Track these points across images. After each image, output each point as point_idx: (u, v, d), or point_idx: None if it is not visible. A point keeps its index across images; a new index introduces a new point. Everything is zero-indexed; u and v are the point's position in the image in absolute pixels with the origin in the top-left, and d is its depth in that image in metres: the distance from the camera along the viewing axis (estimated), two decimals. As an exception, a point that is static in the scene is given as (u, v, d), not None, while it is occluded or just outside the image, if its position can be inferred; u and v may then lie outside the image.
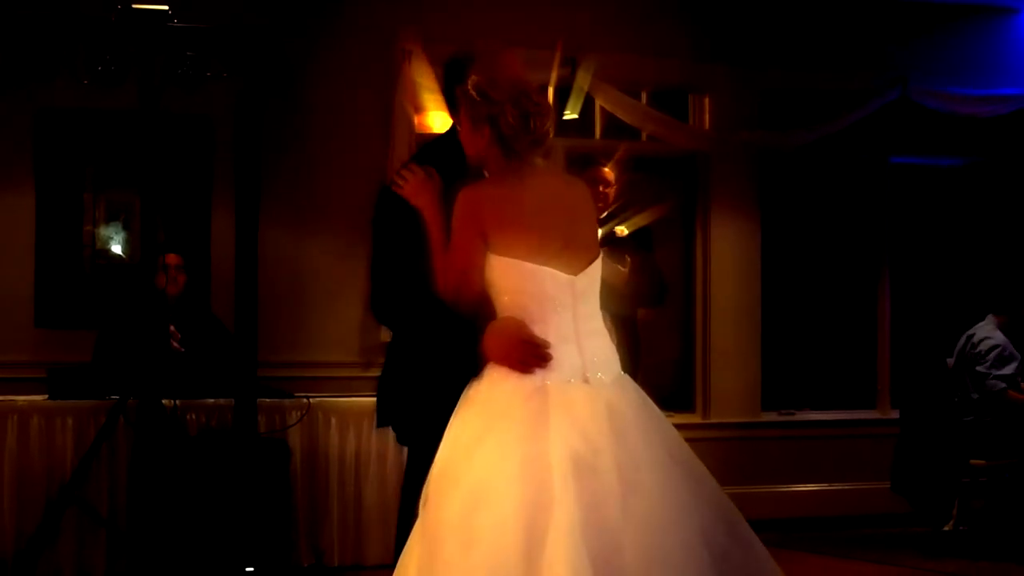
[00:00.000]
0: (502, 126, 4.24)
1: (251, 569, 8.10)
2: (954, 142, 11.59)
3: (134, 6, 8.19)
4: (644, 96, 10.84)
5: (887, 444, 10.23)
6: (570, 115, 10.24)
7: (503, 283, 4.22)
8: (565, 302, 4.21)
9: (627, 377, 4.33)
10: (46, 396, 8.41)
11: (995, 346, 9.79)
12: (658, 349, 10.94)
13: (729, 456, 10.78)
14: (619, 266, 7.87)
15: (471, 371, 4.27)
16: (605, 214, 8.24)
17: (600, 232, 8.09)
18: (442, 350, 4.42)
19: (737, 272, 10.97)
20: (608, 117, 10.66)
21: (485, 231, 4.19)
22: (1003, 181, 11.69)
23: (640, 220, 8.27)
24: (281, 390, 8.71)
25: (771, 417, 11.09)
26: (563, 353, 4.18)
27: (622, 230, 8.10)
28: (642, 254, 8.27)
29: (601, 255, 4.34)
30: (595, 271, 4.31)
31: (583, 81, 10.15)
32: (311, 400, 8.54)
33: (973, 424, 9.77)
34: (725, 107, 10.93)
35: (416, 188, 4.38)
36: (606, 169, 8.17)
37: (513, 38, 9.53)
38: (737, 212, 10.96)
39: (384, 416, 4.79)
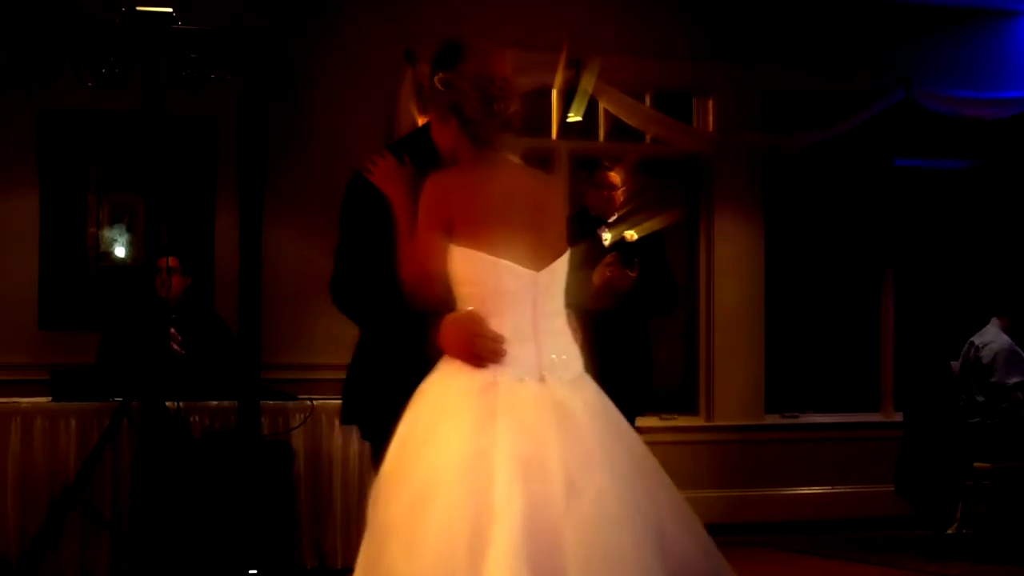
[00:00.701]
0: (466, 111, 4.19)
1: (254, 571, 8.10)
2: (958, 145, 11.59)
3: (138, 8, 8.20)
4: (647, 98, 10.84)
5: (890, 447, 10.23)
6: (574, 118, 10.24)
7: (463, 274, 4.15)
8: (524, 297, 4.14)
9: (588, 378, 4.25)
10: (50, 398, 8.41)
11: (1000, 350, 9.80)
12: (661, 351, 10.94)
13: (732, 459, 10.79)
14: (627, 271, 7.86)
15: (432, 365, 4.19)
16: (614, 217, 8.24)
17: (609, 237, 8.09)
18: (402, 342, 4.38)
19: (740, 274, 10.97)
20: (612, 120, 10.67)
21: (449, 219, 4.12)
22: (1007, 184, 11.69)
23: (652, 225, 8.25)
24: (284, 392, 8.71)
25: (774, 420, 11.08)
26: (519, 350, 4.10)
27: (632, 235, 8.08)
28: (653, 259, 8.26)
29: (568, 254, 4.27)
30: (559, 268, 4.23)
31: (587, 84, 10.15)
32: (315, 402, 8.53)
33: (977, 427, 9.77)
34: (728, 109, 10.93)
35: (386, 175, 4.36)
36: (612, 173, 8.16)
37: (516, 40, 9.59)
38: (740, 214, 10.96)
39: (349, 413, 4.76)
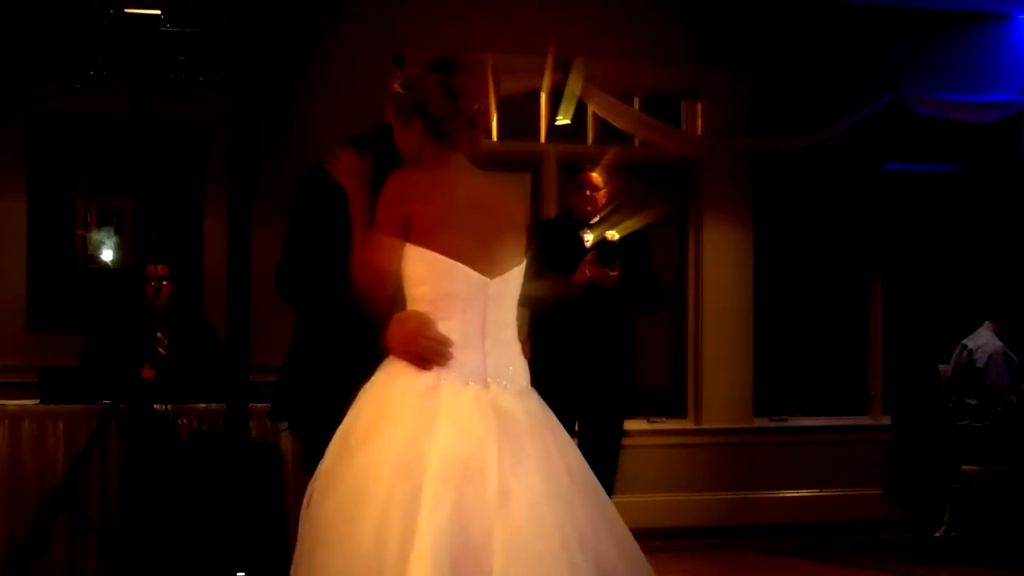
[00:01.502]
0: (431, 108, 4.20)
1: (242, 574, 8.08)
2: (947, 148, 11.61)
3: (127, 10, 8.18)
4: (637, 102, 10.84)
5: (879, 450, 10.24)
6: (562, 121, 10.25)
7: (416, 274, 4.15)
8: (475, 303, 4.15)
9: (534, 392, 4.26)
10: (37, 400, 8.39)
11: (994, 354, 9.82)
12: (650, 354, 10.95)
13: (721, 462, 10.79)
14: (607, 271, 7.87)
15: (375, 363, 4.20)
16: (597, 218, 8.25)
17: (591, 238, 8.11)
18: (342, 338, 4.37)
19: (729, 277, 10.98)
20: (601, 123, 10.67)
21: (408, 218, 4.13)
22: (996, 188, 11.70)
23: (632, 224, 8.26)
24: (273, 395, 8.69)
25: (763, 423, 11.09)
26: (465, 355, 4.12)
27: (613, 235, 8.10)
28: (637, 259, 8.27)
29: (523, 265, 4.28)
30: (513, 279, 4.25)
31: (575, 86, 10.15)
32: (303, 405, 8.52)
33: (965, 430, 9.78)
34: (718, 112, 10.94)
35: (346, 168, 4.37)
36: (594, 174, 8.18)
37: (505, 43, 9.62)
38: (730, 217, 10.97)
39: (279, 409, 4.74)
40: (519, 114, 10.56)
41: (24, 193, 9.61)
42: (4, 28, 8.61)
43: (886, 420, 10.72)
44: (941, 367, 10.13)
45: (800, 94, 11.18)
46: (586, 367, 8.19)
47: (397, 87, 4.29)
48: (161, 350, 8.70)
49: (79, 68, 8.57)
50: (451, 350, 4.10)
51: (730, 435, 10.88)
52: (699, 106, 10.97)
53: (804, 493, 11.05)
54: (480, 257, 4.15)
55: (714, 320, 10.93)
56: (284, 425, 8.45)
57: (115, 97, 8.78)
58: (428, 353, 4.09)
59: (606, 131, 10.69)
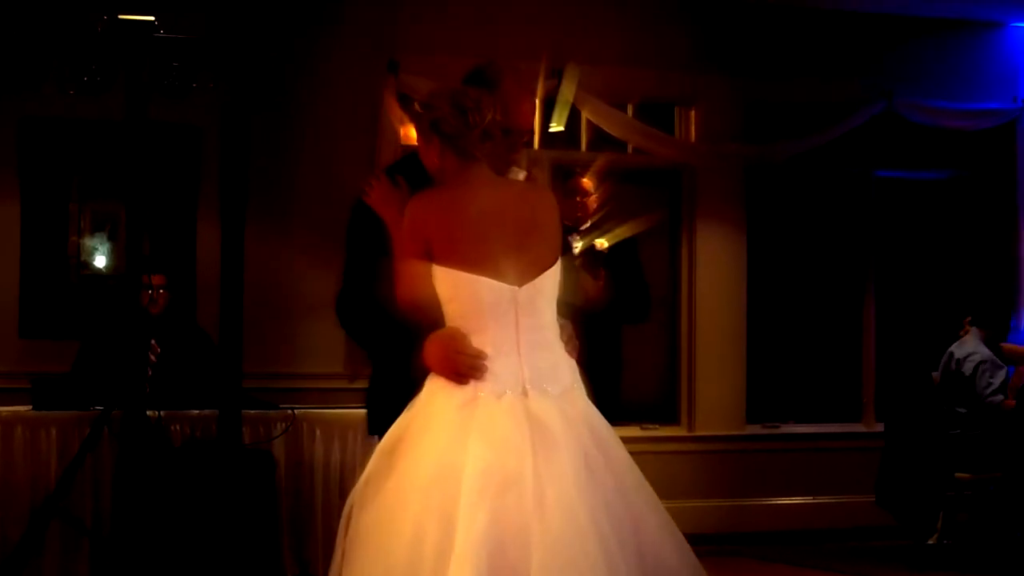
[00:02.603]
0: (443, 127, 4.25)
1: (235, 580, 8.08)
2: (939, 156, 11.61)
3: (120, 16, 8.18)
4: (630, 108, 10.85)
5: (872, 457, 10.24)
6: (556, 127, 10.24)
7: (445, 292, 4.22)
8: (505, 313, 4.20)
9: (579, 390, 4.31)
10: (30, 406, 8.38)
11: (982, 362, 9.82)
12: (643, 361, 10.95)
13: (714, 469, 10.79)
14: (591, 279, 7.87)
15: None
16: (587, 224, 8.25)
17: (580, 245, 8.10)
18: (405, 360, 4.42)
19: (722, 284, 10.98)
20: (594, 129, 10.68)
21: (428, 240, 4.20)
22: (987, 195, 11.71)
23: (623, 232, 8.25)
24: (266, 401, 8.69)
25: (756, 430, 11.09)
26: (501, 365, 4.17)
27: (602, 243, 8.08)
28: (626, 267, 8.26)
29: (557, 267, 4.31)
30: (544, 282, 4.28)
31: (569, 93, 10.15)
32: (296, 411, 8.52)
33: (958, 438, 9.79)
34: (711, 119, 10.95)
35: (382, 197, 4.40)
36: (584, 180, 8.18)
37: (499, 49, 9.61)
38: (723, 224, 10.97)
39: (373, 424, 4.82)
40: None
41: (17, 198, 9.60)
42: (-3, 34, 8.62)
43: (879, 427, 10.72)
44: (933, 374, 10.13)
45: (793, 101, 11.18)
46: None
47: (417, 107, 4.37)
48: (152, 356, 8.71)
49: (73, 73, 8.57)
50: (486, 362, 4.16)
51: (723, 442, 10.89)
52: (692, 113, 10.97)
53: (797, 500, 11.04)
54: (505, 266, 4.20)
55: (707, 327, 10.93)
56: (279, 431, 8.50)
57: (109, 102, 8.79)
58: (463, 368, 4.16)
59: (600, 137, 10.69)
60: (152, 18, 8.21)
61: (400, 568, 3.93)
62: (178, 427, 8.40)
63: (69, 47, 8.56)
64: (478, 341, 4.18)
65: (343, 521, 4.17)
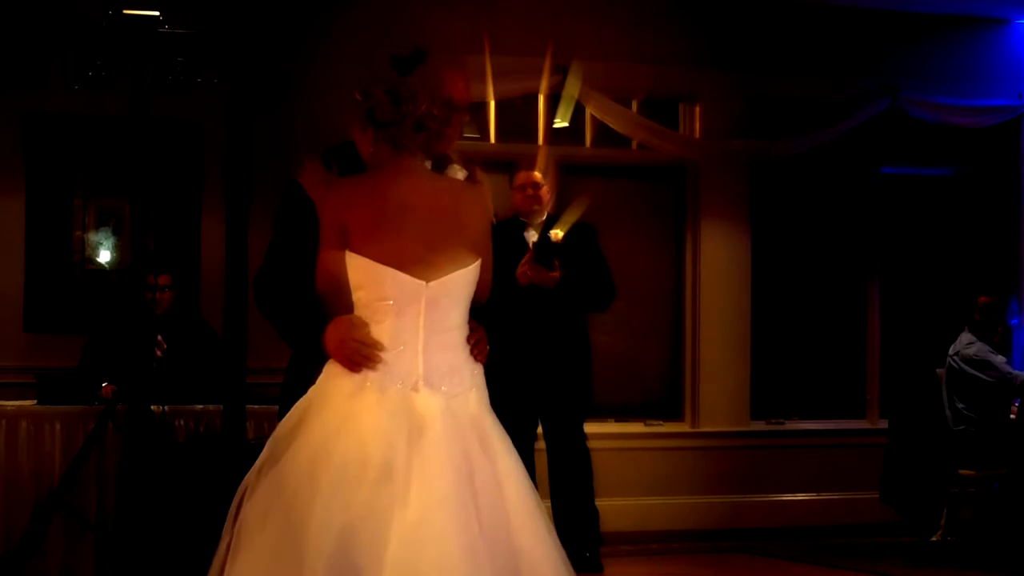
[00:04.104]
0: (377, 115, 4.26)
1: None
2: (944, 152, 11.60)
3: (125, 11, 8.18)
4: (634, 104, 10.84)
5: (876, 454, 10.24)
6: (560, 123, 10.24)
7: (354, 280, 4.23)
8: (409, 307, 4.19)
9: (476, 394, 4.28)
10: (35, 401, 8.40)
11: (986, 350, 9.86)
12: (647, 357, 10.95)
13: (718, 465, 10.78)
14: (546, 270, 7.88)
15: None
16: (544, 216, 8.26)
17: (534, 237, 8.11)
18: (315, 342, 4.41)
19: (727, 280, 10.97)
20: (598, 125, 10.67)
21: (344, 225, 4.20)
22: (993, 191, 11.70)
23: (569, 219, 8.23)
24: (270, 396, 8.69)
25: (760, 426, 11.09)
26: (397, 357, 4.17)
27: (556, 234, 8.08)
28: (586, 256, 8.27)
29: (473, 267, 4.28)
30: (456, 280, 4.25)
31: (573, 89, 10.15)
32: (300, 406, 8.52)
33: (962, 434, 9.79)
34: (715, 115, 10.94)
35: (314, 179, 4.41)
36: (534, 172, 8.19)
37: (503, 46, 9.61)
38: (727, 220, 10.96)
39: (283, 410, 4.79)
40: (517, 116, 10.56)
41: (22, 193, 9.61)
42: (2, 28, 8.62)
43: (883, 424, 10.72)
44: (938, 371, 10.13)
45: (798, 97, 11.17)
46: (537, 367, 8.21)
47: (356, 95, 4.36)
48: (158, 352, 8.71)
49: (77, 69, 8.57)
50: (381, 353, 4.16)
51: (727, 438, 10.88)
52: (697, 109, 10.97)
53: (801, 496, 11.04)
54: (417, 261, 4.18)
55: (711, 323, 10.93)
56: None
57: (112, 98, 8.80)
58: (356, 356, 4.16)
59: (604, 133, 10.69)
60: (156, 13, 8.21)
61: (270, 561, 3.98)
62: (182, 422, 8.41)
63: (74, 42, 8.57)
64: (377, 331, 4.18)
65: (231, 511, 4.21)
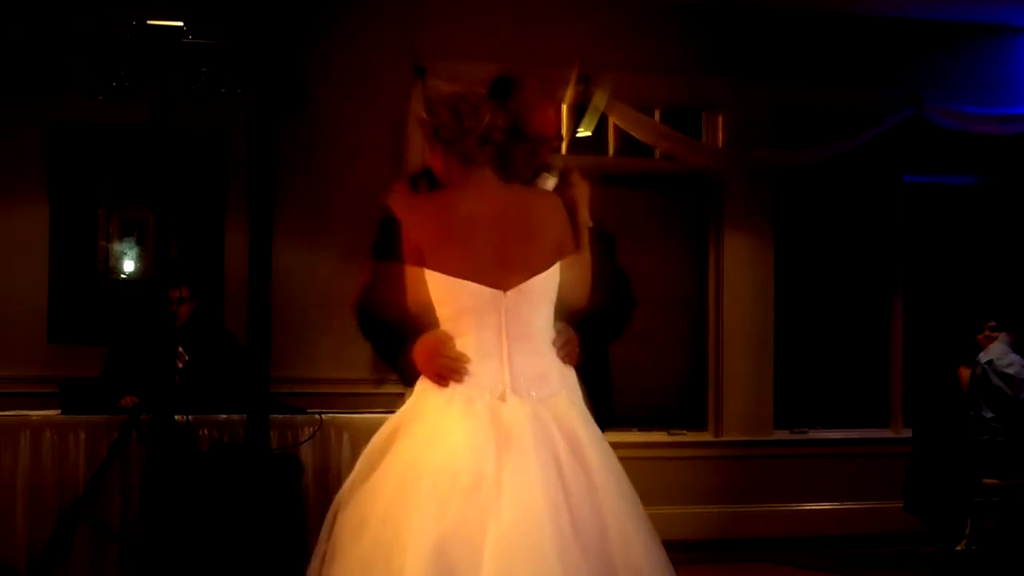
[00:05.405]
0: (442, 132, 4.30)
1: (262, 585, 8.10)
2: (968, 161, 11.58)
3: (149, 22, 8.21)
4: (657, 114, 10.84)
5: (900, 463, 10.22)
6: (584, 133, 10.25)
7: (435, 296, 4.28)
8: (489, 317, 4.24)
9: (565, 397, 4.31)
10: (59, 411, 8.41)
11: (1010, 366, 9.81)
12: (670, 366, 10.94)
13: (741, 474, 10.77)
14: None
15: None
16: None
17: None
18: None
19: (750, 290, 10.96)
20: (621, 135, 10.68)
21: (419, 246, 4.26)
22: (1017, 200, 11.68)
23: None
24: (293, 406, 8.72)
25: (783, 435, 11.07)
26: (482, 368, 4.23)
27: None
28: (605, 267, 8.25)
29: (552, 272, 4.31)
30: (534, 286, 4.28)
31: (597, 99, 10.15)
32: (323, 416, 8.54)
33: (986, 443, 9.76)
34: (738, 125, 10.93)
35: (398, 203, 4.44)
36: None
37: (526, 56, 9.62)
38: (750, 230, 10.95)
39: None
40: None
41: (46, 203, 9.64)
42: (27, 39, 8.65)
43: (907, 433, 10.71)
44: (960, 369, 10.10)
45: (821, 106, 11.17)
46: None
47: (423, 113, 4.42)
48: (179, 363, 8.73)
49: (101, 79, 8.60)
50: (468, 365, 4.23)
51: (750, 448, 10.86)
52: (720, 118, 10.96)
53: (824, 506, 11.02)
54: (491, 270, 4.23)
55: (734, 332, 10.92)
56: (306, 436, 8.52)
57: (136, 108, 8.82)
58: (444, 371, 4.23)
59: (627, 143, 10.70)
60: (181, 24, 8.24)
61: (360, 571, 4.03)
62: (206, 431, 8.42)
63: (98, 53, 8.59)
64: (461, 344, 4.25)
65: (327, 522, 4.24)
